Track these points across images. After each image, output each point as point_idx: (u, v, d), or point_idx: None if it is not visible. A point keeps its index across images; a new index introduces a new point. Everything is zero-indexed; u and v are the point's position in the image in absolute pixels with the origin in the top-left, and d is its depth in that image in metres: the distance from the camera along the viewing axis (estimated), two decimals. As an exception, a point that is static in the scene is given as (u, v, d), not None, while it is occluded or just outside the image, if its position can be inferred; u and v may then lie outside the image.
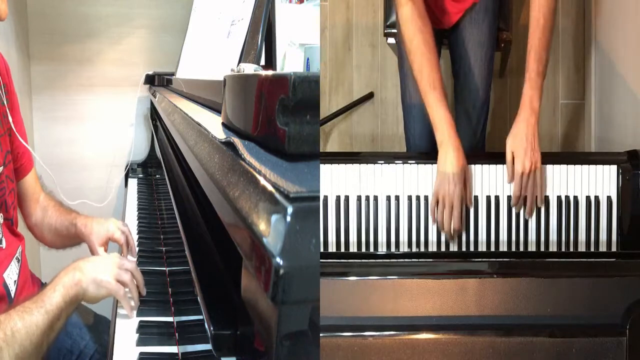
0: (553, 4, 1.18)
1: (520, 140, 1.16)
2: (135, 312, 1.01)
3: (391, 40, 1.70)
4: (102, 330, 1.24)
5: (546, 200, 1.20)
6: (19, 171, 1.23)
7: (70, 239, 1.30)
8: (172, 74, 1.82)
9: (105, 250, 1.25)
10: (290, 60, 1.47)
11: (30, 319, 0.84)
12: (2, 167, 1.10)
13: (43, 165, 1.33)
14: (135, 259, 1.26)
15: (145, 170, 2.30)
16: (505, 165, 1.19)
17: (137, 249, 1.32)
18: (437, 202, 1.17)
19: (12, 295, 1.07)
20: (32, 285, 1.21)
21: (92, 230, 1.24)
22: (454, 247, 1.21)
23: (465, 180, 1.17)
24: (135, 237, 1.44)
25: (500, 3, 1.44)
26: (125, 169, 2.28)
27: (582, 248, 1.19)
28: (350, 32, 2.09)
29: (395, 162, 1.21)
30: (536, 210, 1.19)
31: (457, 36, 1.38)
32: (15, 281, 1.09)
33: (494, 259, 0.99)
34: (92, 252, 1.24)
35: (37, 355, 0.85)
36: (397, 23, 1.43)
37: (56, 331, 0.89)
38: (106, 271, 0.97)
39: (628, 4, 1.55)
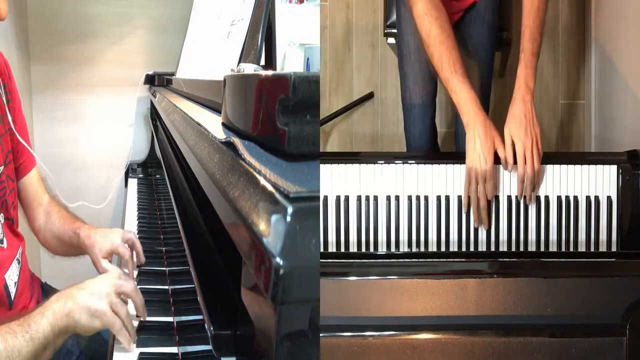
0: None
1: (520, 121, 1.16)
2: (134, 346, 0.91)
3: (391, 40, 1.70)
4: (102, 330, 1.24)
5: (546, 200, 1.20)
6: (20, 170, 1.22)
7: (73, 248, 1.25)
8: (172, 74, 1.83)
9: (110, 262, 1.19)
10: (290, 60, 1.47)
11: (12, 343, 0.78)
12: (2, 167, 1.10)
13: (42, 166, 1.32)
14: (136, 272, 1.21)
15: (145, 170, 2.31)
16: (503, 165, 1.19)
17: (136, 223, 1.27)
18: (470, 181, 1.16)
19: (12, 297, 1.07)
20: (33, 286, 1.21)
21: (95, 242, 1.18)
22: (454, 246, 1.21)
23: (494, 151, 1.15)
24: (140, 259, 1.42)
25: (500, 3, 1.44)
26: (125, 169, 2.28)
27: (582, 248, 1.19)
28: (350, 32, 2.10)
29: (395, 162, 1.21)
30: (536, 210, 1.19)
31: (458, 36, 1.38)
32: (15, 282, 1.09)
33: (494, 259, 0.99)
34: (95, 265, 1.19)
35: None
36: (398, 22, 1.43)
37: None
38: (101, 299, 0.87)
39: (628, 4, 1.55)
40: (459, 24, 1.38)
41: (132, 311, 0.97)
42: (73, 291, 0.87)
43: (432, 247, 1.20)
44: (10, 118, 1.15)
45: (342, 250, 1.20)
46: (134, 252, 1.23)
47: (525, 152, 1.15)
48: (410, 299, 0.86)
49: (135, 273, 1.22)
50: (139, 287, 1.12)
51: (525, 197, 1.18)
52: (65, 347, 1.16)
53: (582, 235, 1.19)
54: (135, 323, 0.95)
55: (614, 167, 1.19)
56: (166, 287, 1.15)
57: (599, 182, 1.19)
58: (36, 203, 1.27)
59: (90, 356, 1.18)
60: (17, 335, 0.79)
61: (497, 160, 1.17)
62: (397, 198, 1.20)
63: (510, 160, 1.16)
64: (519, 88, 1.17)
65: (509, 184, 1.20)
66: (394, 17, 1.60)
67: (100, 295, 0.87)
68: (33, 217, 1.28)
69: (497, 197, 1.20)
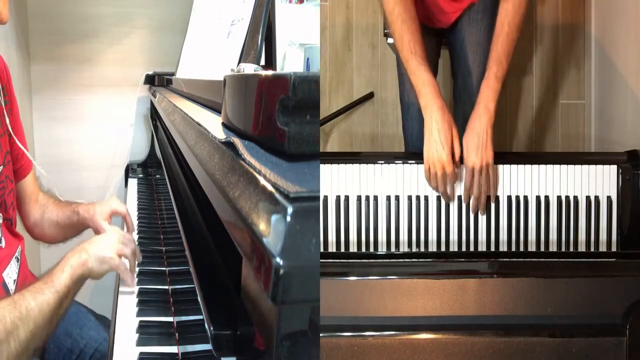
0: (520, 16, 1.19)
1: (472, 137, 1.17)
2: (135, 281, 1.12)
3: (391, 40, 1.69)
4: (102, 330, 1.24)
5: (546, 200, 1.20)
6: (19, 173, 1.23)
7: (72, 228, 1.34)
8: (172, 74, 1.82)
9: (109, 224, 1.31)
10: (290, 60, 1.47)
11: (42, 299, 0.91)
12: (1, 167, 1.10)
13: (40, 170, 1.33)
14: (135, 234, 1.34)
15: (145, 170, 2.30)
16: (504, 165, 1.19)
17: (136, 223, 1.41)
18: (429, 170, 1.17)
19: (12, 294, 1.07)
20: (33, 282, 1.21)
21: (95, 211, 1.30)
22: (454, 246, 1.21)
23: (452, 139, 1.16)
24: (135, 237, 1.43)
25: (498, 3, 1.44)
26: (125, 169, 2.28)
27: (582, 248, 1.19)
28: (350, 32, 2.09)
29: (395, 162, 1.21)
30: (536, 210, 1.19)
31: (456, 36, 1.38)
32: (14, 280, 1.10)
33: (494, 259, 0.99)
34: (98, 231, 1.28)
35: (48, 330, 0.92)
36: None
37: (65, 308, 0.95)
38: (109, 248, 1.04)
39: (628, 4, 1.55)
40: (457, 24, 1.38)
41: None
42: (85, 245, 1.03)
43: (432, 247, 1.20)
44: (8, 120, 1.15)
45: (342, 250, 1.20)
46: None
47: (474, 169, 1.16)
48: (410, 299, 0.86)
49: (136, 269, 1.23)
50: (138, 287, 1.13)
51: (471, 203, 1.19)
52: (65, 347, 1.16)
53: (582, 235, 1.19)
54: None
55: (614, 167, 1.19)
56: (166, 287, 1.15)
57: (599, 182, 1.19)
58: (32, 201, 1.32)
59: (91, 355, 1.18)
60: (45, 291, 0.92)
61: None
62: (397, 198, 1.20)
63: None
64: (479, 106, 1.18)
65: (509, 184, 1.20)
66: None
67: (107, 244, 1.05)
68: (28, 213, 1.31)
69: (497, 197, 1.20)
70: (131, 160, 2.31)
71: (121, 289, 1.13)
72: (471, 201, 1.19)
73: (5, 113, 1.15)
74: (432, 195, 1.20)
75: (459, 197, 1.20)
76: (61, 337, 1.19)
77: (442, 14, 1.36)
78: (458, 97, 1.39)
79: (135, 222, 1.61)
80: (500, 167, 1.19)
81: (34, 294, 0.91)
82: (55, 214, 1.33)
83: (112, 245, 1.06)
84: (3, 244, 1.09)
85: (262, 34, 0.96)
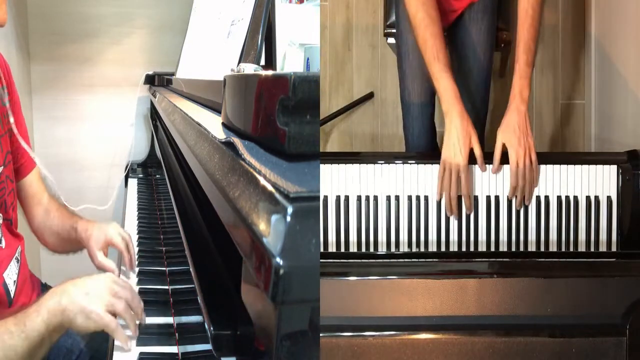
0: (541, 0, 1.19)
1: (514, 130, 1.17)
2: (133, 343, 0.90)
3: (391, 40, 1.70)
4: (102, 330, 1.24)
5: (546, 200, 1.20)
6: (20, 171, 1.23)
7: (71, 243, 1.27)
8: (172, 74, 1.82)
9: (105, 255, 1.21)
10: (290, 60, 1.47)
11: (9, 342, 0.79)
12: (2, 167, 1.10)
13: (41, 167, 1.32)
14: (134, 274, 1.20)
15: (145, 170, 2.30)
16: (505, 165, 1.19)
17: (137, 262, 1.25)
18: (444, 171, 1.17)
19: (12, 295, 1.07)
20: (32, 285, 1.21)
21: (92, 235, 1.20)
22: (454, 246, 1.21)
23: (470, 146, 1.16)
24: (135, 237, 1.43)
25: (499, 2, 1.44)
26: (125, 169, 2.28)
27: (582, 248, 1.19)
28: (350, 32, 2.09)
29: (395, 162, 1.21)
30: (536, 210, 1.19)
31: (456, 35, 1.38)
32: (14, 281, 1.09)
33: (494, 259, 0.99)
34: (92, 257, 1.20)
35: None
36: (397, 21, 1.43)
37: (38, 358, 0.83)
38: (97, 300, 0.85)
39: (628, 4, 1.55)
40: (458, 23, 1.38)
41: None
42: (69, 287, 0.86)
43: (432, 247, 1.20)
44: (11, 119, 1.15)
45: (342, 250, 1.20)
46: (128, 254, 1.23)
47: (519, 160, 1.16)
48: (410, 299, 0.86)
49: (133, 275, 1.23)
50: (138, 287, 1.13)
51: (516, 198, 1.19)
52: (65, 347, 1.16)
53: (582, 236, 1.19)
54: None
55: (614, 167, 1.19)
56: (166, 287, 1.15)
57: (599, 182, 1.19)
58: (36, 202, 1.28)
59: (91, 356, 1.18)
60: (14, 335, 0.80)
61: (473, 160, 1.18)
62: (397, 198, 1.20)
63: (497, 163, 1.18)
64: (514, 98, 1.19)
65: (509, 184, 1.19)
66: (393, 17, 1.60)
67: (95, 296, 0.86)
68: (32, 215, 1.29)
69: (497, 197, 1.20)
70: (131, 160, 2.31)
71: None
72: (517, 195, 1.17)
73: (8, 113, 1.15)
74: (432, 195, 1.20)
75: (459, 197, 1.19)
76: (61, 338, 1.19)
77: (443, 13, 1.36)
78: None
79: (135, 222, 1.61)
80: (500, 167, 1.19)
81: (1, 335, 0.79)
82: (57, 224, 1.27)
83: (101, 296, 0.86)
84: (3, 245, 1.08)
85: (262, 34, 0.96)
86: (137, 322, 0.92)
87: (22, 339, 0.80)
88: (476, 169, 1.19)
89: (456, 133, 1.16)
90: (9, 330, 0.80)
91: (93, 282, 0.89)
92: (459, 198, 1.18)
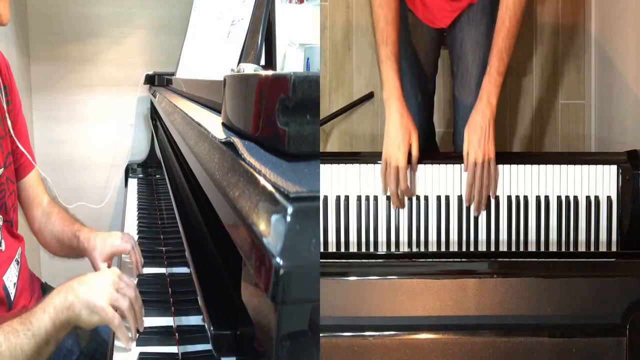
0: (521, 11, 1.19)
1: (475, 131, 1.17)
2: (133, 344, 0.90)
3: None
4: (102, 330, 1.24)
5: (546, 200, 1.20)
6: (19, 171, 1.22)
7: (72, 250, 1.25)
8: (172, 74, 1.82)
9: (109, 266, 1.19)
10: (290, 60, 1.47)
11: (15, 342, 0.79)
12: (2, 169, 1.10)
13: (38, 169, 1.32)
14: (136, 280, 1.19)
15: (145, 170, 2.30)
16: (505, 165, 1.19)
17: (136, 223, 1.27)
18: (386, 167, 1.17)
19: (12, 297, 1.07)
20: (32, 286, 1.20)
21: (95, 246, 1.18)
22: (454, 246, 1.21)
23: (409, 142, 1.17)
24: (135, 237, 1.43)
25: (498, 3, 1.44)
26: (125, 169, 2.28)
27: (582, 248, 1.19)
28: (350, 32, 2.09)
29: (395, 162, 1.21)
30: (536, 210, 1.19)
31: (455, 36, 1.38)
32: (14, 283, 1.09)
33: (494, 259, 0.99)
34: (94, 268, 1.18)
35: None
36: None
37: (45, 356, 0.83)
38: (102, 295, 0.86)
39: (628, 4, 1.55)
40: (456, 24, 1.38)
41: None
42: (74, 284, 0.87)
43: (432, 247, 1.20)
44: (9, 121, 1.15)
45: (342, 250, 1.20)
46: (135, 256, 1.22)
47: (477, 159, 1.16)
48: (410, 299, 0.86)
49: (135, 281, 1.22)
50: (138, 287, 1.13)
51: (474, 201, 1.19)
52: (65, 347, 1.16)
53: (582, 235, 1.19)
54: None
55: (614, 167, 1.19)
56: (166, 287, 1.15)
57: (599, 182, 1.19)
58: (36, 204, 1.27)
59: (91, 356, 1.18)
60: (19, 334, 0.79)
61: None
62: (397, 198, 1.20)
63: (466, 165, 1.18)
64: (481, 100, 1.19)
65: (509, 184, 1.20)
66: (394, 17, 1.60)
67: (100, 291, 0.87)
68: (32, 218, 1.28)
69: (497, 197, 1.20)
70: (131, 160, 2.31)
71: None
72: (474, 199, 1.18)
73: (7, 113, 1.15)
74: (432, 195, 1.20)
75: (459, 197, 1.19)
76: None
77: (442, 13, 1.36)
78: (457, 97, 1.39)
79: (135, 222, 1.61)
80: (500, 167, 1.19)
81: (7, 335, 0.79)
82: (58, 229, 1.26)
83: (106, 291, 0.87)
84: (3, 247, 1.08)
85: (262, 34, 0.96)
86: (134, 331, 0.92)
87: (28, 337, 0.79)
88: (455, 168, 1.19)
89: (395, 130, 1.17)
90: (15, 329, 0.80)
91: (98, 278, 0.90)
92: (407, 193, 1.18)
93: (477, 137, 1.16)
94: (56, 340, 0.84)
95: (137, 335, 0.92)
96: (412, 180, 1.19)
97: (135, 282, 1.19)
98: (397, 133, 1.16)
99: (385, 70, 1.18)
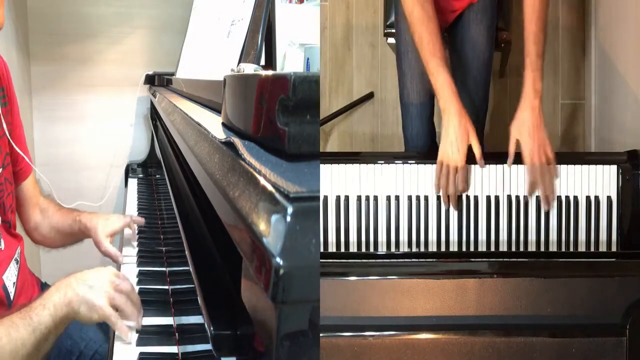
0: None
1: (527, 128, 1.16)
2: (133, 335, 0.93)
3: (391, 40, 1.70)
4: (102, 331, 1.24)
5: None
6: (18, 175, 1.23)
7: (73, 235, 1.32)
8: (172, 74, 1.82)
9: (112, 242, 1.29)
10: (290, 60, 1.47)
11: (16, 336, 0.80)
12: (1, 169, 1.10)
13: (37, 171, 1.33)
14: (137, 279, 1.22)
15: (145, 170, 2.30)
16: (505, 165, 1.19)
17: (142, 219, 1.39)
18: (441, 168, 1.17)
19: (12, 297, 1.07)
20: (32, 285, 1.21)
21: (98, 224, 1.27)
22: (454, 246, 1.21)
23: (469, 143, 1.16)
24: (135, 237, 1.43)
25: (499, 2, 1.44)
26: (125, 169, 2.28)
27: (582, 248, 1.19)
28: (350, 32, 2.09)
29: (395, 162, 1.21)
30: (536, 210, 1.19)
31: (456, 35, 1.38)
32: (14, 283, 1.09)
33: (494, 259, 0.99)
34: (98, 245, 1.27)
35: None
36: (397, 21, 1.43)
37: (44, 351, 0.84)
38: (99, 292, 0.89)
39: (628, 4, 1.55)
40: (457, 23, 1.38)
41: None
42: (72, 281, 0.89)
43: (432, 247, 1.20)
44: (5, 125, 1.15)
45: (342, 250, 1.20)
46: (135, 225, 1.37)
47: (534, 158, 1.16)
48: (410, 299, 0.86)
49: (135, 269, 1.23)
50: (138, 287, 1.13)
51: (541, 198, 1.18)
52: (65, 347, 1.16)
53: (582, 235, 1.19)
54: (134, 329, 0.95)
55: (614, 167, 1.19)
56: (166, 287, 1.15)
57: (599, 182, 1.19)
58: (32, 205, 1.31)
59: (91, 356, 1.18)
60: (20, 329, 0.81)
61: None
62: (397, 198, 1.20)
63: (511, 158, 1.17)
64: (527, 94, 1.18)
65: (509, 184, 1.20)
66: (393, 17, 1.60)
67: (98, 289, 0.90)
68: (28, 217, 1.31)
69: (497, 197, 1.20)
70: (131, 160, 2.31)
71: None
72: (542, 189, 1.17)
73: (5, 114, 1.15)
74: (432, 195, 1.20)
75: (459, 197, 1.19)
76: (61, 338, 1.19)
77: (442, 13, 1.36)
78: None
79: (135, 215, 1.61)
80: (501, 166, 1.19)
81: (7, 329, 0.80)
82: (56, 220, 1.32)
83: (104, 290, 0.90)
84: (2, 246, 1.08)
85: (262, 34, 0.96)
86: (134, 323, 0.94)
87: (28, 332, 0.81)
88: (474, 168, 1.19)
89: (454, 131, 1.15)
90: (15, 324, 0.81)
91: (95, 276, 0.93)
92: (459, 197, 1.18)
93: (531, 133, 1.16)
94: (55, 335, 0.86)
95: (140, 325, 0.94)
96: (470, 179, 1.19)
97: (136, 274, 1.23)
98: (457, 135, 1.15)
99: (438, 81, 1.17)
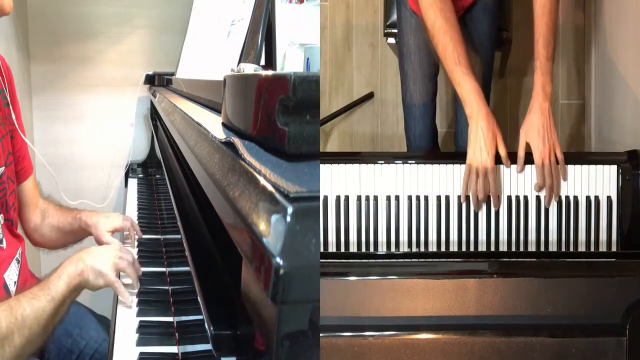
0: None
1: (538, 130, 1.16)
2: (133, 299, 1.07)
3: (391, 40, 1.70)
4: (102, 330, 1.24)
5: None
6: (19, 175, 1.23)
7: (73, 233, 1.35)
8: (172, 74, 1.82)
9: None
10: (290, 60, 1.47)
11: (38, 305, 0.91)
12: (3, 168, 1.10)
13: (45, 164, 1.34)
14: (135, 246, 1.36)
15: (145, 170, 2.30)
16: (503, 165, 1.19)
17: (141, 233, 1.42)
18: (470, 173, 1.16)
19: (13, 296, 1.07)
20: (32, 286, 1.21)
21: (99, 221, 1.32)
22: (454, 246, 1.21)
23: (497, 146, 1.16)
24: (135, 237, 1.44)
25: (500, 3, 1.44)
26: (125, 169, 2.28)
27: (582, 248, 1.19)
28: (350, 32, 2.09)
29: (395, 162, 1.21)
30: (536, 210, 1.19)
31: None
32: (15, 282, 1.10)
33: (494, 259, 0.99)
34: (99, 241, 1.30)
35: (44, 336, 0.93)
36: (399, 22, 1.43)
37: (61, 315, 0.96)
38: (106, 262, 1.03)
39: (628, 4, 1.55)
40: (459, 23, 1.37)
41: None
42: (82, 255, 1.02)
43: (432, 247, 1.20)
44: (14, 118, 1.16)
45: (342, 250, 1.20)
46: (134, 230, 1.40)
47: (544, 160, 1.16)
48: (410, 299, 0.86)
49: (136, 252, 1.32)
50: (139, 287, 1.13)
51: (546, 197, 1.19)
52: (65, 347, 1.16)
53: (582, 235, 1.19)
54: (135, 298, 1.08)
55: (614, 167, 1.19)
56: (166, 287, 1.15)
57: (599, 182, 1.19)
58: (32, 206, 1.32)
59: (91, 355, 1.18)
60: (41, 298, 0.92)
61: (498, 159, 1.17)
62: (397, 198, 1.20)
63: (521, 162, 1.18)
64: (537, 96, 1.18)
65: (509, 184, 1.20)
66: (394, 17, 1.60)
67: (104, 259, 1.03)
68: (28, 218, 1.31)
69: (497, 198, 1.20)
70: (131, 160, 2.31)
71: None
72: (547, 191, 1.17)
73: (9, 113, 1.15)
74: (432, 195, 1.20)
75: (459, 197, 1.19)
76: (61, 338, 1.19)
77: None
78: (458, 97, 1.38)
79: (136, 222, 1.61)
80: (501, 167, 1.19)
81: (30, 300, 0.91)
82: (56, 219, 1.34)
83: (109, 259, 1.05)
84: (4, 245, 1.08)
85: (262, 34, 0.96)
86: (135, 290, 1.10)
87: (48, 300, 0.93)
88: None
89: (482, 135, 1.15)
90: (37, 295, 0.93)
91: (102, 249, 1.09)
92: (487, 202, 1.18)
93: (541, 135, 1.16)
94: (70, 301, 0.98)
95: (139, 286, 1.10)
96: (498, 180, 1.19)
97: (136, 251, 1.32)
98: (487, 139, 1.15)
99: (464, 89, 1.16)
